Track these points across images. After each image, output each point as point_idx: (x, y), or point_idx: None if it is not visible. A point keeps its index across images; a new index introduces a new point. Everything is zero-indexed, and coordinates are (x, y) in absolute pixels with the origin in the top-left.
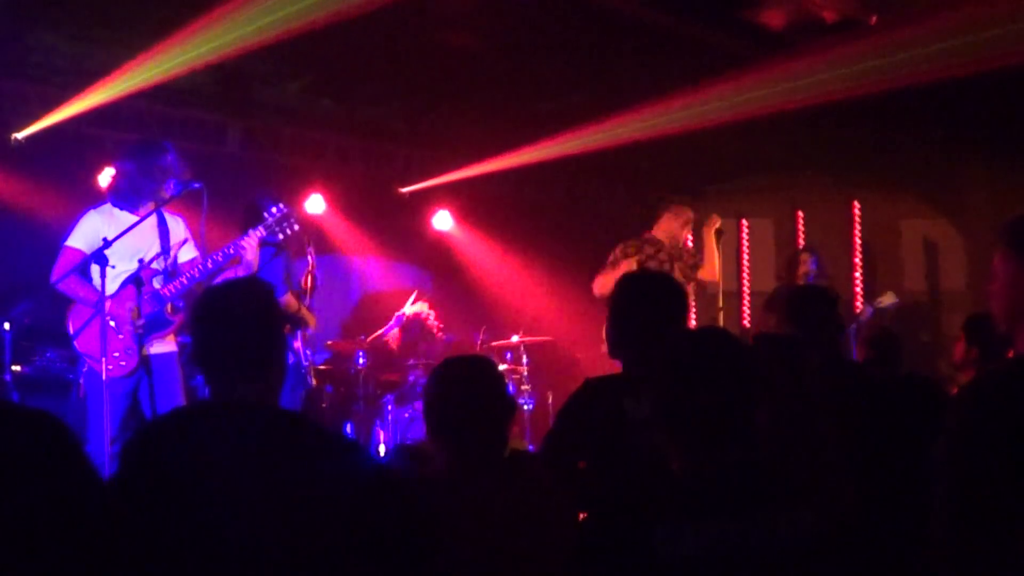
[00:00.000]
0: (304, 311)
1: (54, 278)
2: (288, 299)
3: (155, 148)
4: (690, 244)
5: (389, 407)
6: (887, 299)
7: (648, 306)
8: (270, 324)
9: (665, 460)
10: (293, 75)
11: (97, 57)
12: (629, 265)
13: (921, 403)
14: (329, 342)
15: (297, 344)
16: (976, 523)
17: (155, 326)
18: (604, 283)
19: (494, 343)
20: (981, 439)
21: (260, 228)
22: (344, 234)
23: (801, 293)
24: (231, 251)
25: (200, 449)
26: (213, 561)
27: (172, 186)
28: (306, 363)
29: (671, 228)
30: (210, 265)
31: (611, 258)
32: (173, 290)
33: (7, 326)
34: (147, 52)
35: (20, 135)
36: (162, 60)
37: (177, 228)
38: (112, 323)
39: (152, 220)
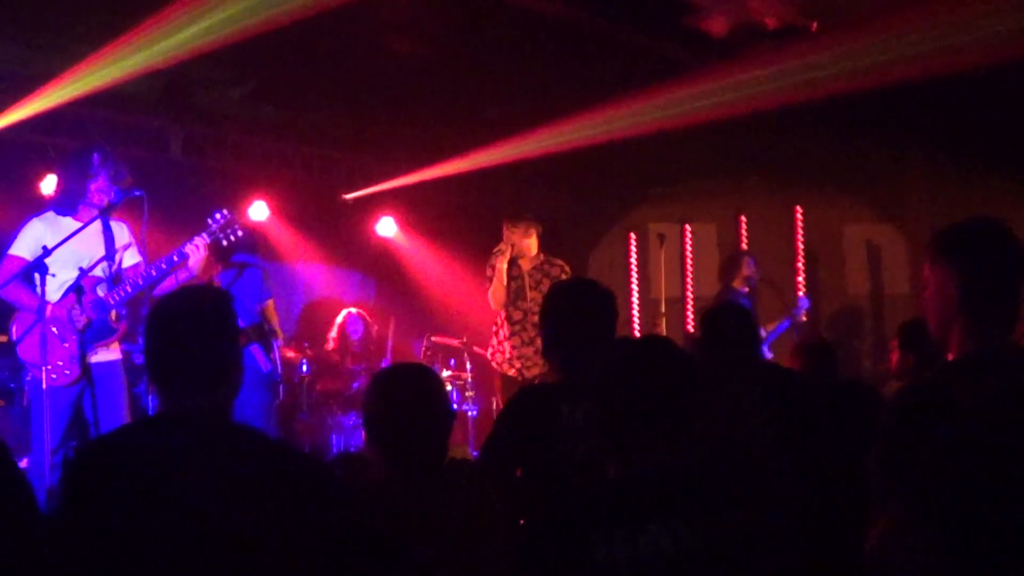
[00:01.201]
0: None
1: None
2: (269, 306)
3: (85, 150)
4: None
5: (333, 413)
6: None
7: (577, 313)
8: (225, 334)
9: (600, 466)
10: (235, 81)
11: (37, 63)
12: (499, 272)
13: (859, 410)
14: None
15: (275, 355)
16: (907, 526)
17: (99, 334)
18: (493, 295)
19: (437, 338)
20: (913, 445)
21: (204, 234)
22: (287, 240)
23: (711, 313)
24: (175, 259)
25: (150, 464)
26: (160, 572)
27: (113, 193)
28: (279, 375)
29: (513, 241)
30: (154, 273)
31: (488, 272)
32: (117, 297)
33: None
34: (89, 58)
35: None
36: (104, 66)
37: (121, 234)
38: (55, 331)
39: (96, 227)
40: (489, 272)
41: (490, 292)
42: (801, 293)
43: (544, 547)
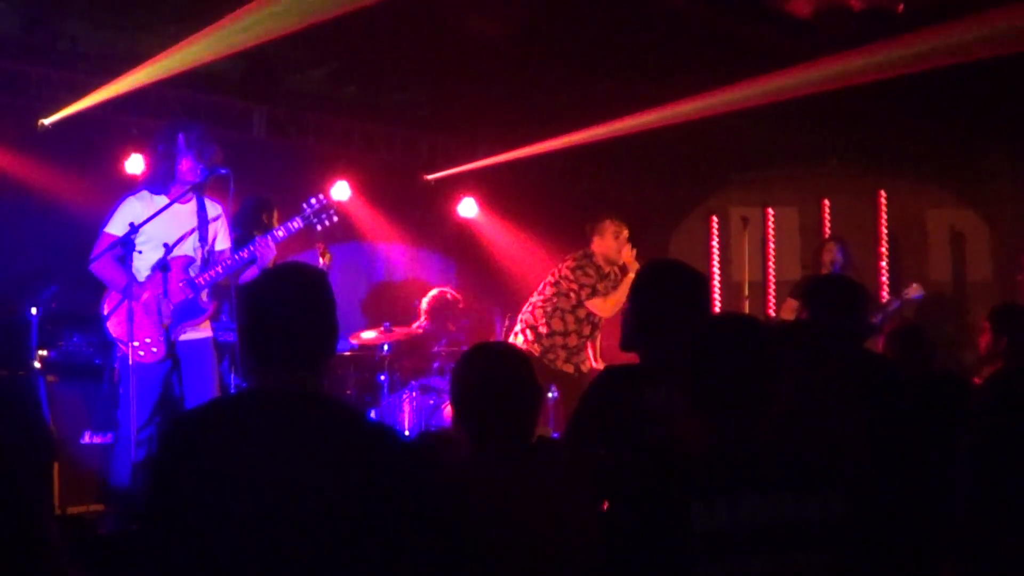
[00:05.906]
0: None
1: (90, 265)
2: None
3: (171, 129)
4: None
5: (413, 393)
6: (914, 290)
7: (669, 297)
8: (322, 311)
9: (684, 447)
10: (318, 61)
11: (123, 44)
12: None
13: (949, 401)
14: (352, 336)
15: None
16: (1002, 510)
17: (189, 313)
18: (615, 303)
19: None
20: (1009, 428)
21: (297, 219)
22: (369, 221)
23: (821, 282)
24: (248, 253)
25: (239, 438)
26: (249, 546)
27: (199, 172)
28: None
29: (607, 247)
30: (245, 255)
31: (586, 281)
32: (208, 279)
33: (34, 311)
34: (173, 38)
35: (47, 121)
36: (188, 46)
37: (215, 214)
38: (143, 308)
39: (192, 206)
40: (591, 280)
41: (612, 300)
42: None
43: (642, 516)
